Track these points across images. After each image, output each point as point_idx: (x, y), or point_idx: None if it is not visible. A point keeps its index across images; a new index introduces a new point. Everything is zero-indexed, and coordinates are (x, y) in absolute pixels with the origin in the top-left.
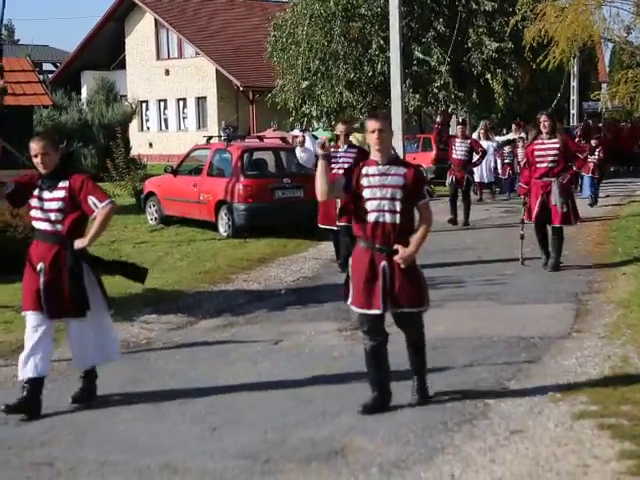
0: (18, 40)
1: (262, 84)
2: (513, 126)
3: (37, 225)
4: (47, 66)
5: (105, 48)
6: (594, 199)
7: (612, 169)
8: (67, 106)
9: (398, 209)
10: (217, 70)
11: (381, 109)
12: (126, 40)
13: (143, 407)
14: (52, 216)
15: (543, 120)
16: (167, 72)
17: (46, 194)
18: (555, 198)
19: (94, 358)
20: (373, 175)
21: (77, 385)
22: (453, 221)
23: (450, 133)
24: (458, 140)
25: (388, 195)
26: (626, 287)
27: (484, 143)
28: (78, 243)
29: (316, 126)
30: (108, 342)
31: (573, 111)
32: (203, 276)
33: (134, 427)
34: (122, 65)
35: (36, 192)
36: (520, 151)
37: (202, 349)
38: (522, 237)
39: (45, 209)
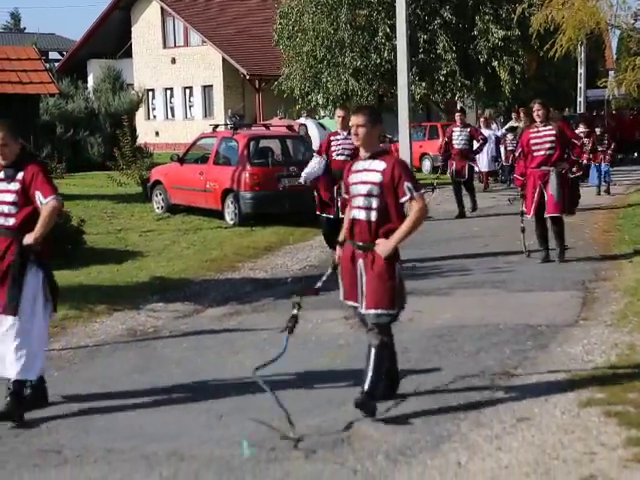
0: (24, 28)
1: (268, 72)
2: (513, 115)
3: None
4: (53, 54)
5: (111, 36)
6: (606, 188)
7: (620, 157)
8: (73, 95)
9: (374, 206)
10: (223, 58)
11: (388, 98)
12: (132, 28)
13: (150, 395)
14: (5, 209)
15: (536, 108)
16: (173, 60)
17: (2, 186)
18: (552, 188)
19: (3, 369)
20: (357, 171)
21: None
22: (461, 215)
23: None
24: (457, 129)
25: (364, 191)
26: (633, 275)
27: (484, 132)
28: (27, 238)
29: (322, 114)
30: (29, 355)
31: (580, 99)
32: (209, 264)
33: (141, 415)
34: (128, 53)
35: None
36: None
37: (209, 337)
38: (523, 230)
39: (0, 202)
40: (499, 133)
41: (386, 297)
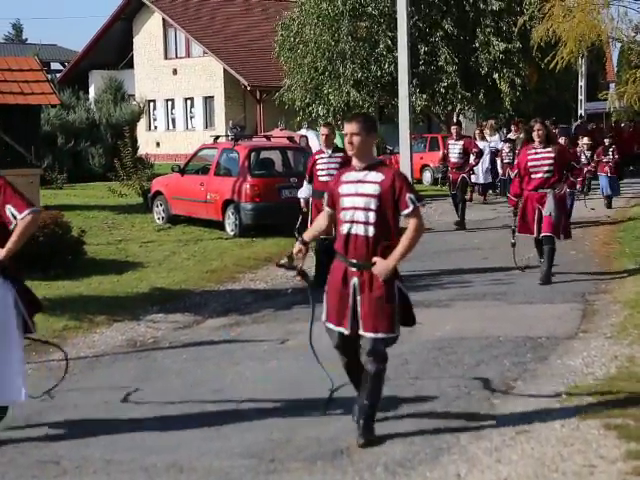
0: (26, 39)
1: (269, 83)
2: (512, 127)
3: None
4: (55, 65)
5: (113, 47)
6: (608, 203)
7: (631, 169)
8: (75, 105)
9: (372, 220)
10: (225, 69)
11: (389, 109)
12: (134, 39)
13: (149, 406)
14: None
15: (537, 129)
16: (175, 71)
17: None
18: (549, 209)
19: None
20: (350, 182)
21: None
22: (460, 224)
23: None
24: (452, 141)
25: (361, 205)
26: (633, 287)
27: (480, 144)
28: None
29: None
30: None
31: (581, 111)
32: (210, 275)
33: (140, 426)
34: (130, 64)
35: None
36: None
37: (208, 348)
38: (513, 245)
39: None
40: (499, 145)
41: (386, 320)
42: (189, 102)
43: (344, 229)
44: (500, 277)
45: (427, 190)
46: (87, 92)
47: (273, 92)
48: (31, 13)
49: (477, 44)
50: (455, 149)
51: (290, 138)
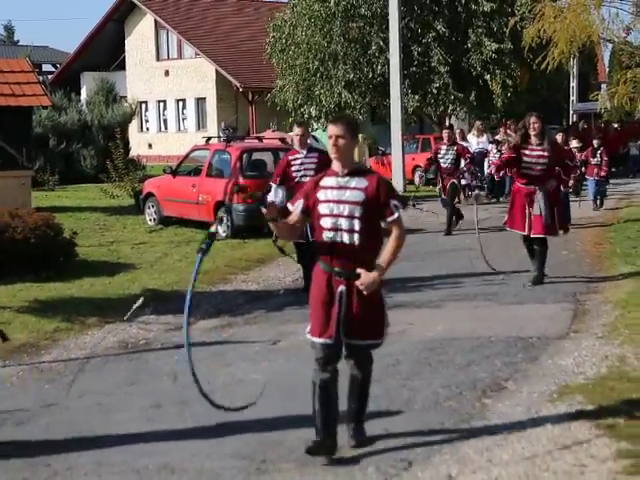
0: (18, 41)
1: (261, 85)
2: (501, 129)
3: None
4: (47, 67)
5: (105, 49)
6: (600, 203)
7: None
8: (67, 107)
9: (357, 228)
10: (217, 71)
11: (381, 110)
12: (126, 41)
13: (141, 408)
14: None
15: (533, 122)
16: (167, 73)
17: None
18: (540, 207)
19: None
20: (331, 188)
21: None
22: (456, 221)
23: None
24: (444, 147)
25: (345, 212)
26: (624, 287)
27: (476, 140)
28: None
29: (315, 127)
30: None
31: (572, 111)
32: (201, 277)
33: (132, 427)
34: (122, 66)
35: None
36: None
37: (200, 349)
38: (480, 242)
39: None
40: (488, 146)
41: (376, 327)
42: (181, 103)
43: (327, 237)
44: (491, 278)
45: (419, 191)
46: (79, 94)
47: (265, 93)
48: (23, 15)
49: (469, 45)
50: (448, 155)
51: (282, 139)
